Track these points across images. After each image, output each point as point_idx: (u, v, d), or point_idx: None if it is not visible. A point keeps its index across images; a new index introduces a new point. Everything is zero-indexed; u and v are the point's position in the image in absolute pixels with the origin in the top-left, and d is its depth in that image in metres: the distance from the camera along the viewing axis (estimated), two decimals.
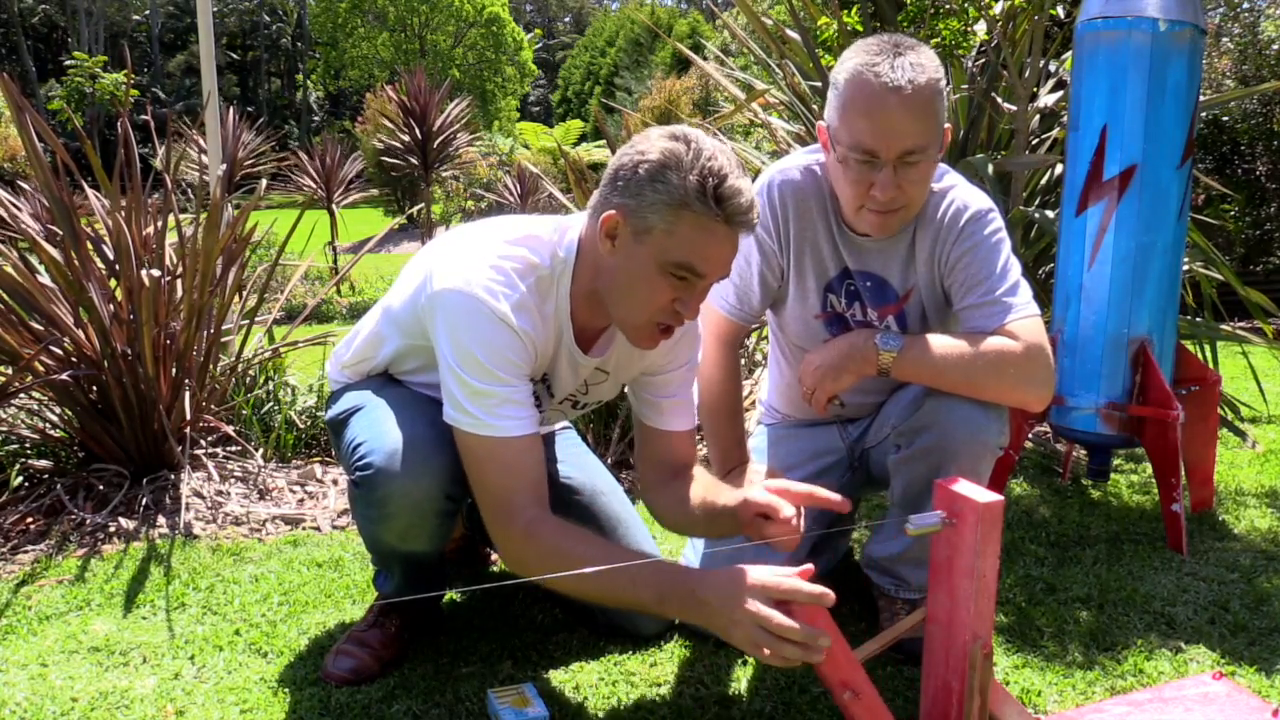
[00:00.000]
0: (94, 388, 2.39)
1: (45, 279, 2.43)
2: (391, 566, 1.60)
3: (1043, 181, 3.26)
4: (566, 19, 66.69)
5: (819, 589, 1.17)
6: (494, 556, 2.07)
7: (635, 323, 1.37)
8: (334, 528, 2.32)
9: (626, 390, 1.66)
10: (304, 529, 2.31)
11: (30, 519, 2.26)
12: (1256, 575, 2.00)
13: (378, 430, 1.45)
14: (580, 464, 1.85)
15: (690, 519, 1.56)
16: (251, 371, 2.89)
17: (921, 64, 1.45)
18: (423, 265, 1.45)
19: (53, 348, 2.34)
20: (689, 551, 1.81)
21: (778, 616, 1.15)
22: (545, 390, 1.55)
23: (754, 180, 1.72)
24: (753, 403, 2.89)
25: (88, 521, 2.22)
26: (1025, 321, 1.52)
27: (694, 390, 1.63)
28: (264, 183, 3.28)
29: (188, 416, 2.53)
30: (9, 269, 2.34)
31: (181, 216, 2.70)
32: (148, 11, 44.00)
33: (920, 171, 1.49)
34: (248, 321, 2.86)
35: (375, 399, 1.53)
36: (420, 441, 1.42)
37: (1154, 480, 2.29)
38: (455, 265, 1.36)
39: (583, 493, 1.78)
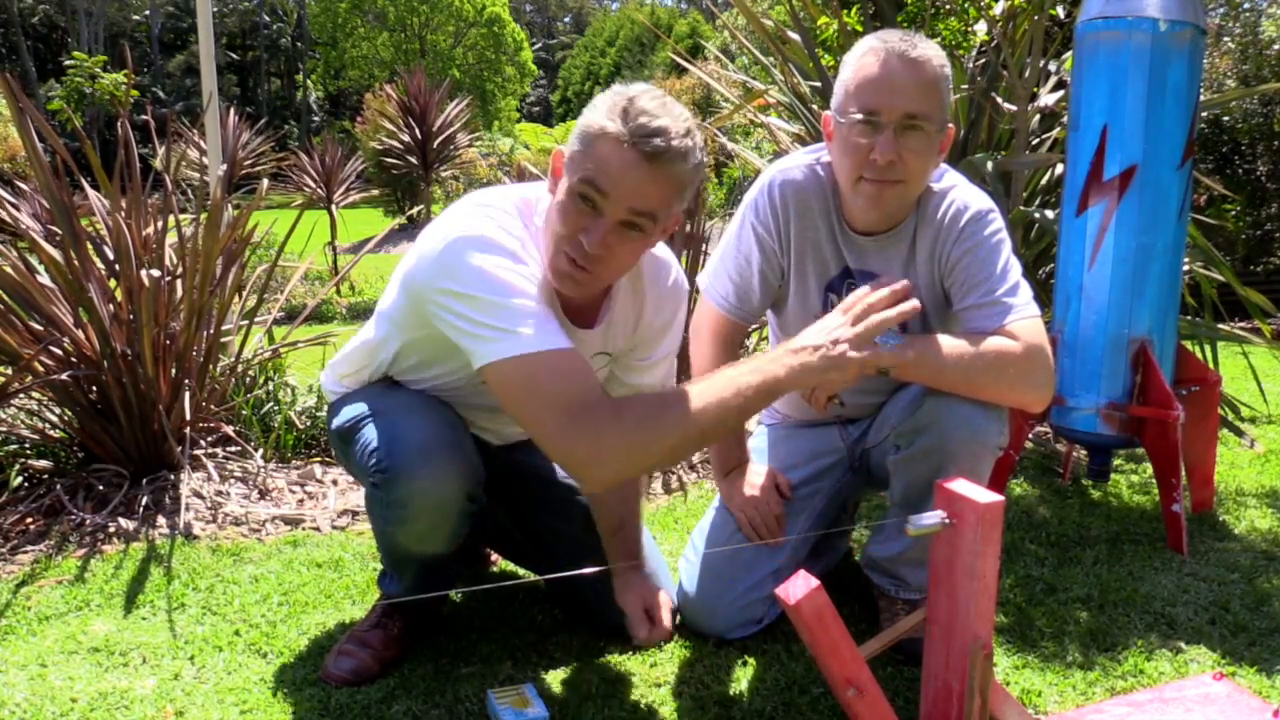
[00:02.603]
0: (94, 388, 2.39)
1: (45, 279, 2.43)
2: (404, 570, 1.59)
3: (1043, 181, 3.26)
4: (566, 19, 66.70)
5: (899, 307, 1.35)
6: (494, 556, 2.07)
7: (549, 255, 1.35)
8: (334, 528, 2.32)
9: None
10: (304, 529, 2.31)
11: (30, 519, 2.26)
12: (1257, 575, 2.00)
13: (395, 432, 1.44)
14: None
15: None
16: (251, 372, 2.89)
17: (929, 46, 1.51)
18: (408, 258, 1.43)
19: (53, 348, 2.34)
20: (689, 552, 1.81)
21: (856, 322, 1.33)
22: None
23: (755, 180, 1.72)
24: None
25: (87, 522, 2.22)
26: (1025, 322, 1.52)
27: (669, 375, 1.66)
28: (265, 183, 3.28)
29: (187, 416, 2.53)
30: (9, 269, 2.34)
31: (181, 217, 2.70)
32: (148, 11, 44.00)
33: (921, 141, 1.49)
34: (247, 322, 2.86)
35: (384, 403, 1.52)
36: (441, 442, 1.42)
37: (1154, 480, 2.29)
38: (445, 228, 1.34)
39: (582, 492, 1.78)
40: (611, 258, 1.32)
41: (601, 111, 1.29)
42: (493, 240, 1.32)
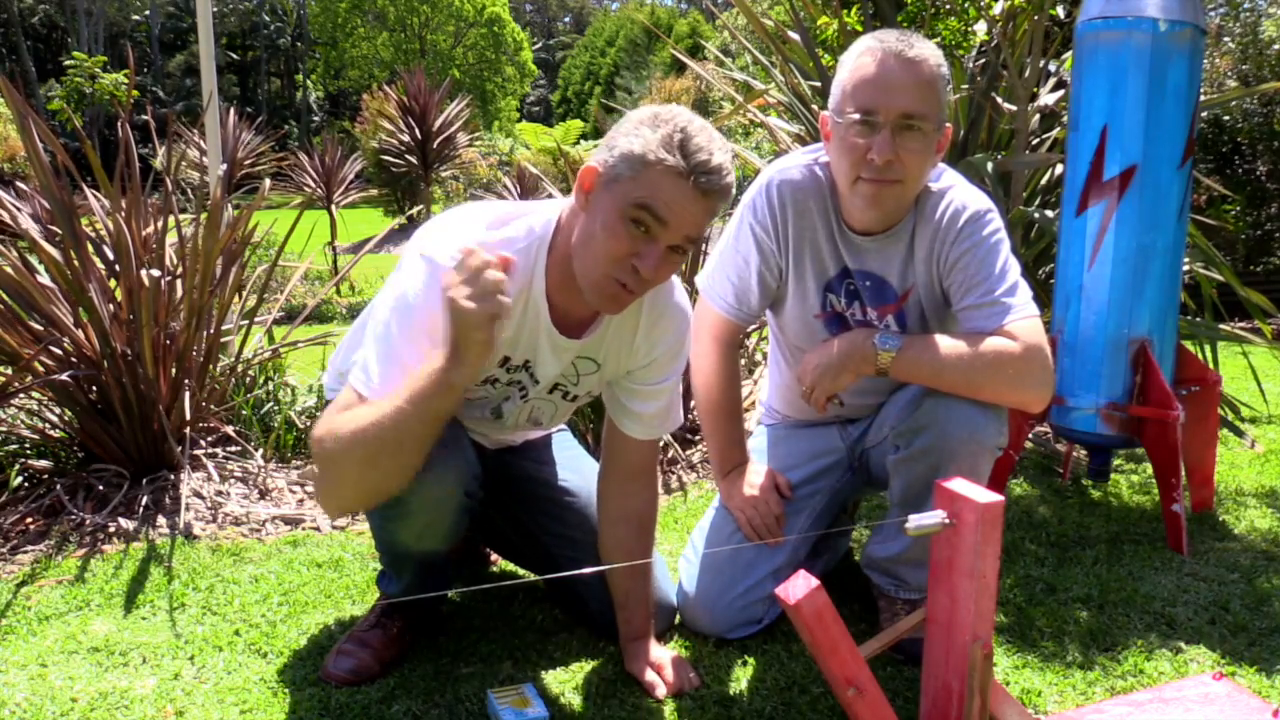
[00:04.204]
0: (94, 388, 2.39)
1: (45, 279, 2.43)
2: (402, 568, 1.59)
3: (1043, 181, 3.26)
4: (566, 19, 66.71)
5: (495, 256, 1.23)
6: (494, 556, 2.07)
7: (594, 276, 1.35)
8: (334, 528, 2.32)
9: (603, 394, 1.65)
10: (304, 529, 2.31)
11: (30, 519, 2.26)
12: (1256, 575, 2.00)
13: None
14: (576, 467, 1.85)
15: (605, 536, 1.64)
16: (251, 372, 2.89)
17: (926, 45, 1.51)
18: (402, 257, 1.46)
19: (53, 348, 2.34)
20: (689, 552, 1.81)
21: (466, 273, 1.21)
22: (529, 377, 1.55)
23: (754, 179, 1.73)
24: (753, 403, 2.89)
25: (88, 521, 2.22)
26: (1024, 322, 1.52)
27: (672, 404, 1.62)
28: (267, 182, 3.28)
29: (188, 416, 2.53)
30: (9, 269, 2.34)
31: (181, 217, 2.70)
32: (148, 11, 43.98)
33: (918, 141, 1.50)
34: (247, 321, 2.86)
35: None
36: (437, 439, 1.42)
37: (1154, 480, 2.29)
38: (425, 240, 1.39)
39: (578, 495, 1.78)
40: (658, 279, 1.37)
41: (653, 142, 1.29)
42: (423, 283, 1.34)
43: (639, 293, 1.38)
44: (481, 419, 1.65)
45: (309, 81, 45.22)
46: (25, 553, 2.11)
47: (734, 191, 1.36)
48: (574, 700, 1.52)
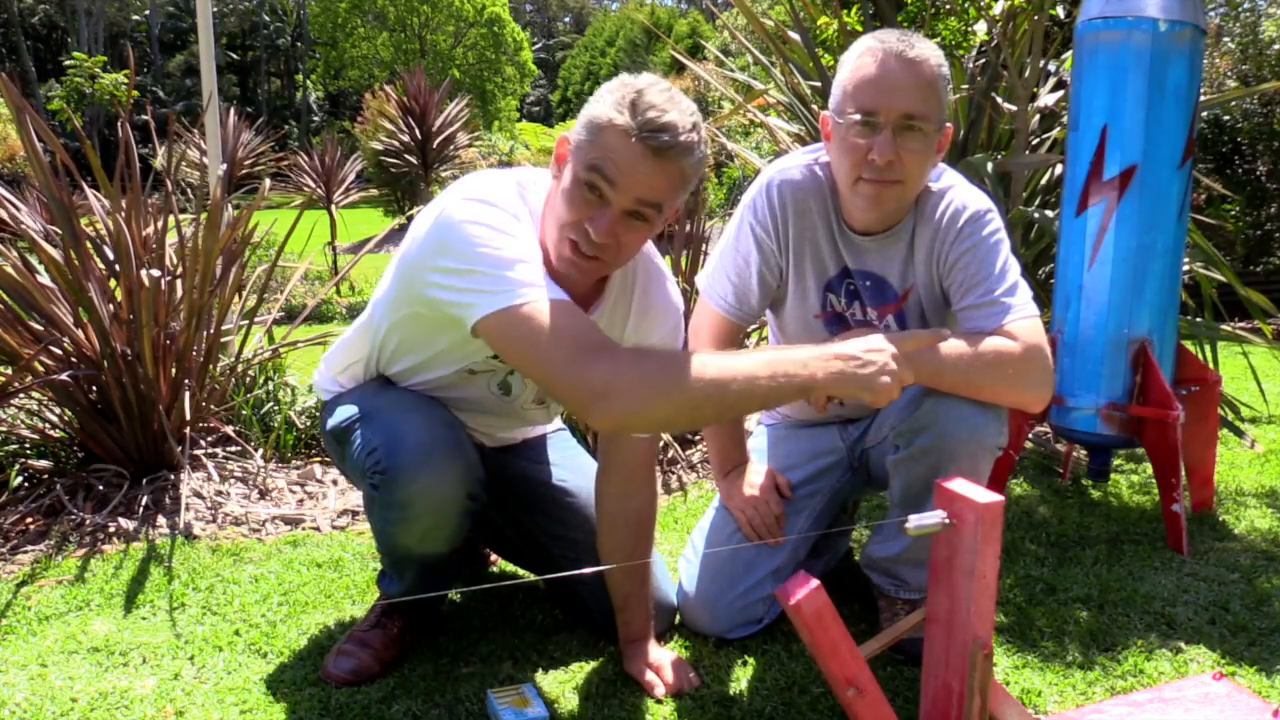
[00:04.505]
0: (94, 388, 2.39)
1: (45, 279, 2.43)
2: (404, 569, 1.59)
3: (1043, 181, 3.26)
4: (566, 19, 66.72)
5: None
6: (494, 556, 2.07)
7: (553, 240, 1.36)
8: (334, 528, 2.32)
9: None
10: (304, 529, 2.31)
11: (30, 519, 2.26)
12: (1256, 575, 2.00)
13: (393, 433, 1.43)
14: (574, 466, 1.85)
15: (604, 537, 1.61)
16: (251, 372, 2.89)
17: (927, 45, 1.51)
18: (403, 244, 1.44)
19: (53, 348, 2.34)
20: (689, 552, 1.81)
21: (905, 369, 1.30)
22: None
23: (754, 179, 1.73)
24: None
25: (87, 521, 2.22)
26: (1024, 322, 1.52)
27: None
28: (267, 182, 3.28)
29: (187, 416, 2.53)
30: (9, 269, 2.34)
31: (181, 217, 2.70)
32: (148, 11, 43.98)
33: (919, 141, 1.50)
34: (247, 321, 2.86)
35: (378, 403, 1.52)
36: (440, 442, 1.41)
37: (1154, 480, 2.29)
38: (439, 202, 1.35)
39: (577, 495, 1.78)
40: (617, 246, 1.34)
41: (609, 103, 1.30)
42: (490, 200, 1.33)
43: (599, 256, 1.34)
44: (486, 416, 1.65)
45: (309, 81, 45.20)
46: (25, 553, 2.11)
47: (698, 154, 1.32)
48: (574, 700, 1.52)
